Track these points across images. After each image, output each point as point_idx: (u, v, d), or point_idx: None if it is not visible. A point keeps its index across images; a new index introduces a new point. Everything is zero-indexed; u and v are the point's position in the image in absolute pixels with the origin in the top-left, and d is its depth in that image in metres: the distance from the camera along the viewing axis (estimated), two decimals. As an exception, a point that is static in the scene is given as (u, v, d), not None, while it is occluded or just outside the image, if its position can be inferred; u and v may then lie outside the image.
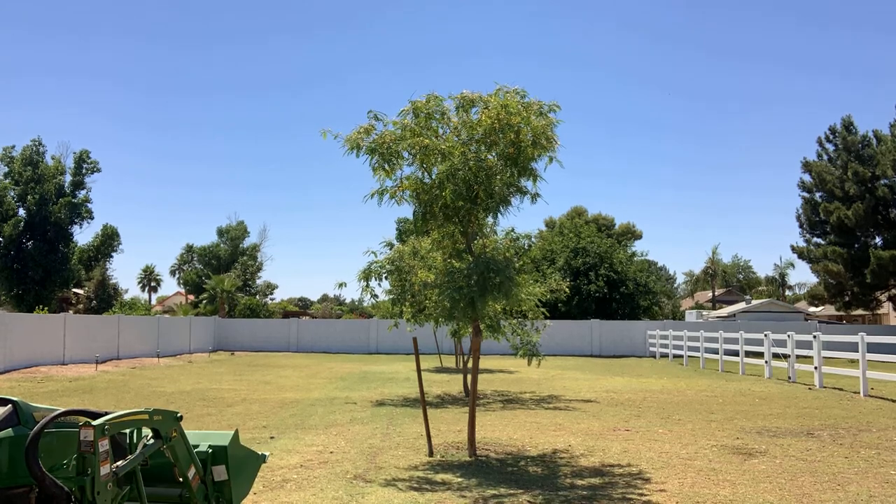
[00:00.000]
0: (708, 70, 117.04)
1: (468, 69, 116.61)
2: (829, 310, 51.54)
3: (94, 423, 3.39)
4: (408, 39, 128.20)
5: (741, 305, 50.01)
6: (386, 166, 7.55)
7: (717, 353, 24.64)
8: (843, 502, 6.36)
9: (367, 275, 11.58)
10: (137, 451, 3.79)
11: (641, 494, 6.56)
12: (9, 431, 3.68)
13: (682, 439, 9.76)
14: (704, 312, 54.32)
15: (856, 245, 36.41)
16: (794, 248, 40.56)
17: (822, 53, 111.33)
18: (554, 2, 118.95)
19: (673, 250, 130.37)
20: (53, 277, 45.31)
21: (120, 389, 16.45)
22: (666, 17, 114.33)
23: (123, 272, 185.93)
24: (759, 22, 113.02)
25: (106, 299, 56.72)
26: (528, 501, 6.27)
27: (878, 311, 46.33)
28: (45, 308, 38.58)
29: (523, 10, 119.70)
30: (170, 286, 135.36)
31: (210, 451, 4.27)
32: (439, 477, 7.30)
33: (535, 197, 7.93)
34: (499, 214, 8.00)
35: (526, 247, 9.41)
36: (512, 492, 6.63)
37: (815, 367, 17.93)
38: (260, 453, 4.85)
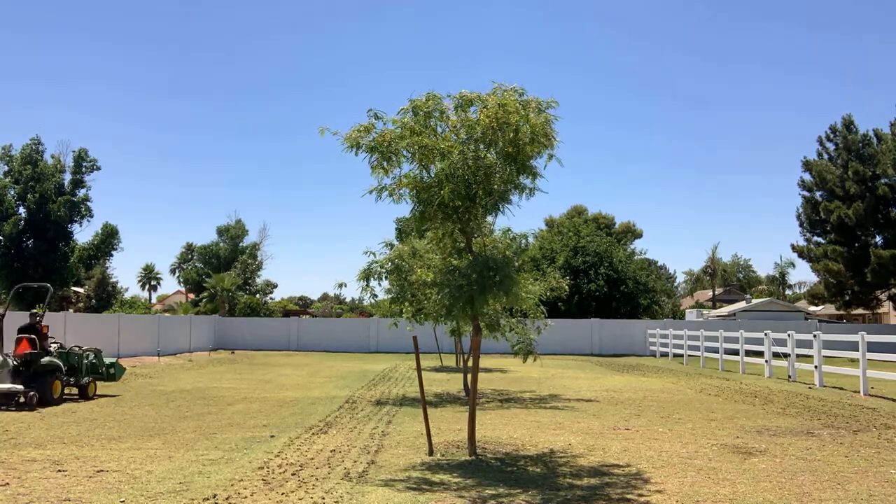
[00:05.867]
0: (709, 72, 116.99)
1: (469, 71, 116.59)
2: (829, 309, 51.52)
3: None
4: (409, 41, 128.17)
5: (741, 304, 49.99)
6: (385, 164, 7.53)
7: (718, 353, 24.63)
8: (843, 501, 6.35)
9: (366, 275, 11.58)
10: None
11: (641, 494, 6.55)
12: None
13: (682, 438, 9.76)
14: (704, 311, 54.31)
15: (856, 244, 36.38)
16: (794, 247, 40.55)
17: (822, 55, 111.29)
18: (558, 6, 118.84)
19: (673, 249, 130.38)
20: (53, 276, 45.21)
21: (120, 388, 16.44)
22: (669, 22, 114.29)
23: (123, 271, 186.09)
24: (760, 25, 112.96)
25: (106, 298, 56.73)
26: (526, 502, 6.26)
27: (879, 311, 46.34)
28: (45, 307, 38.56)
29: (525, 13, 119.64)
30: (170, 285, 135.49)
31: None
32: (439, 476, 7.29)
33: (531, 191, 7.91)
34: (498, 212, 7.99)
35: (524, 245, 9.40)
36: (511, 491, 6.62)
37: (816, 367, 17.92)
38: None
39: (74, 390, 14.56)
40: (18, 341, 13.61)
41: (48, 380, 13.36)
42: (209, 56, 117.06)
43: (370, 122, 7.57)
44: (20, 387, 12.81)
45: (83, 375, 14.64)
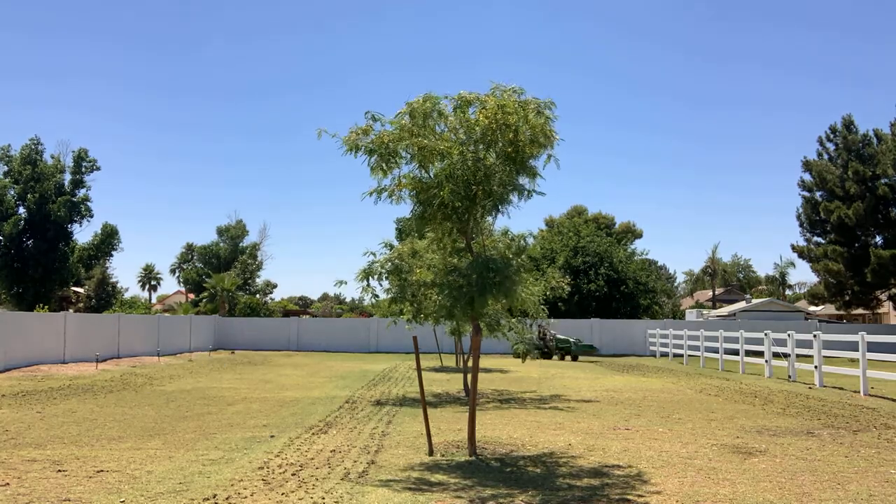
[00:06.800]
0: (709, 72, 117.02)
1: (469, 71, 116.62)
2: (829, 309, 51.53)
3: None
4: (409, 41, 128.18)
5: (741, 304, 49.97)
6: (384, 166, 7.53)
7: (718, 353, 24.64)
8: (843, 501, 6.35)
9: (366, 275, 11.58)
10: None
11: (640, 494, 6.55)
12: None
13: (682, 438, 9.76)
14: (704, 311, 54.29)
15: (856, 244, 36.38)
16: (794, 248, 40.55)
17: (822, 56, 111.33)
18: (558, 6, 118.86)
19: (673, 249, 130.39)
20: (53, 276, 45.29)
21: (120, 388, 16.45)
22: (669, 22, 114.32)
23: (123, 270, 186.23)
24: (760, 25, 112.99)
25: (106, 298, 56.71)
26: (525, 502, 6.26)
27: (879, 311, 46.33)
28: (45, 307, 38.59)
29: (525, 13, 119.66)
30: (170, 285, 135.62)
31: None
32: (439, 476, 7.29)
33: (530, 193, 7.92)
34: (498, 213, 8.00)
35: (524, 245, 9.40)
36: (510, 492, 6.63)
37: (816, 367, 17.92)
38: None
39: (568, 357, 29.78)
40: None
41: (572, 350, 29.56)
42: (209, 56, 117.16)
43: (368, 123, 7.57)
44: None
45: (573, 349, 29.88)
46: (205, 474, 7.27)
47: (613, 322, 35.47)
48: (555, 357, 29.92)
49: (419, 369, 9.12)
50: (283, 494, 6.41)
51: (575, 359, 29.21)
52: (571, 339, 30.22)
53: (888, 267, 33.30)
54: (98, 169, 48.92)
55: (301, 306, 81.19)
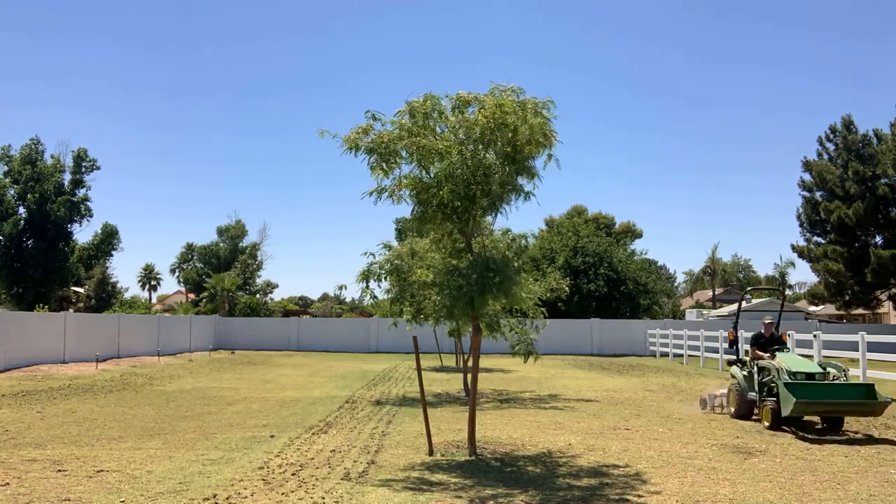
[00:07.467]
0: (709, 72, 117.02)
1: (469, 71, 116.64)
2: (829, 309, 51.51)
3: None
4: (409, 41, 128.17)
5: (741, 304, 49.88)
6: (384, 165, 7.54)
7: (718, 353, 24.62)
8: (843, 501, 6.35)
9: (366, 276, 11.57)
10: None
11: (640, 494, 6.55)
12: None
13: (682, 438, 9.76)
14: (704, 311, 54.30)
15: (856, 244, 36.37)
16: (794, 248, 40.54)
17: (822, 56, 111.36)
18: (558, 6, 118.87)
19: (673, 249, 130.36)
20: (53, 276, 45.27)
21: (120, 388, 16.45)
22: (669, 22, 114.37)
23: (123, 270, 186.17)
24: (760, 25, 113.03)
25: (106, 298, 56.73)
26: (525, 502, 6.26)
27: (879, 311, 46.31)
28: (45, 307, 38.59)
29: (525, 13, 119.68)
30: (170, 285, 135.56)
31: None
32: (438, 476, 7.29)
33: (528, 195, 7.93)
34: (497, 213, 8.00)
35: (524, 245, 9.40)
36: (510, 491, 6.63)
37: (815, 367, 17.88)
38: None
39: None
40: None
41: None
42: (209, 56, 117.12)
43: (368, 123, 7.57)
44: None
45: None
46: (205, 474, 7.27)
47: (613, 322, 35.47)
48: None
49: (419, 369, 9.13)
50: (283, 494, 6.41)
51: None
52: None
53: (888, 267, 33.29)
54: (98, 169, 48.92)
55: (301, 306, 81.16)
